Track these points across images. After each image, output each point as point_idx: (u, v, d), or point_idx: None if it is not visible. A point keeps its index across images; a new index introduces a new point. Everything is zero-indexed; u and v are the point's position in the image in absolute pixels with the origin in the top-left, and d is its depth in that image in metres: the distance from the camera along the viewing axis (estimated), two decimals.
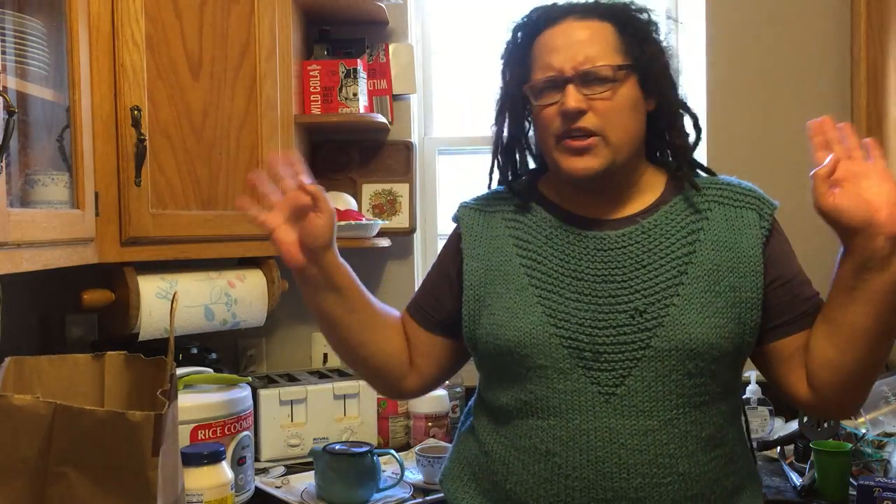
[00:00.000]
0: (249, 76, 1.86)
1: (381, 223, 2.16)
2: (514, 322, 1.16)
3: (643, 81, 1.19)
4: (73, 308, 1.75)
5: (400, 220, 2.29)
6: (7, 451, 1.05)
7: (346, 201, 2.19)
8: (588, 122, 1.15)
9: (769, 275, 1.18)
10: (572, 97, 1.15)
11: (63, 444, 1.06)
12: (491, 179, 1.34)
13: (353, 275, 1.26)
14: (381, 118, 2.16)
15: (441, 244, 2.40)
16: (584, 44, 1.16)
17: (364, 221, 2.09)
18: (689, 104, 1.27)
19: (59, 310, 1.97)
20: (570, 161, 1.17)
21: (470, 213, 1.30)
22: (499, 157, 1.31)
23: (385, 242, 2.18)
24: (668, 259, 1.16)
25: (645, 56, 1.19)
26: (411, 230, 2.30)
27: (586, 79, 1.15)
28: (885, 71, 2.06)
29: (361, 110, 2.14)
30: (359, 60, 2.14)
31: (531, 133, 1.29)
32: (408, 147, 2.32)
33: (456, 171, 2.49)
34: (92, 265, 1.61)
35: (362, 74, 2.15)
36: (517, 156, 1.31)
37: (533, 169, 1.33)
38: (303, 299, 1.24)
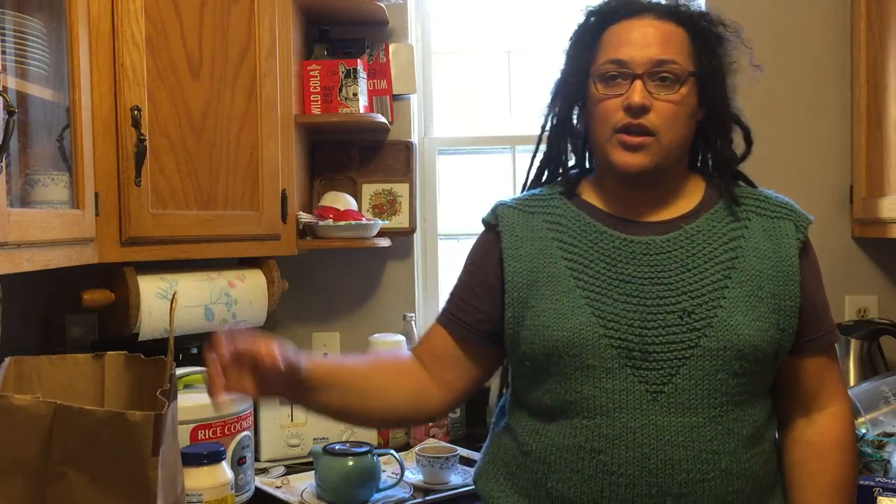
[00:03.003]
0: (249, 76, 1.86)
1: (381, 223, 2.16)
2: (562, 323, 1.17)
3: (702, 90, 1.22)
4: (73, 308, 1.74)
5: (400, 220, 2.29)
6: (7, 451, 1.05)
7: (347, 201, 2.19)
8: (648, 120, 1.18)
9: (801, 288, 1.21)
10: (639, 93, 1.17)
11: (63, 444, 1.06)
12: (530, 170, 1.37)
13: (329, 362, 1.28)
14: (381, 118, 2.16)
15: (441, 244, 2.43)
16: (658, 43, 1.19)
17: (364, 221, 2.10)
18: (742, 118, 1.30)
19: (59, 310, 1.97)
20: (622, 155, 1.19)
21: (509, 211, 1.29)
22: (547, 144, 1.33)
23: (385, 242, 2.18)
24: (712, 263, 1.19)
25: (710, 67, 1.22)
26: (411, 230, 2.30)
27: (654, 78, 1.18)
28: (885, 71, 2.06)
29: (361, 110, 2.14)
30: (359, 60, 2.14)
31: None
32: (408, 147, 2.32)
33: (456, 171, 2.48)
34: (92, 265, 1.61)
35: (362, 74, 2.15)
36: (562, 145, 1.33)
37: (572, 171, 1.35)
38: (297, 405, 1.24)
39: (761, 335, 1.16)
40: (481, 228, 1.36)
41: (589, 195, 1.30)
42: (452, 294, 1.34)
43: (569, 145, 1.34)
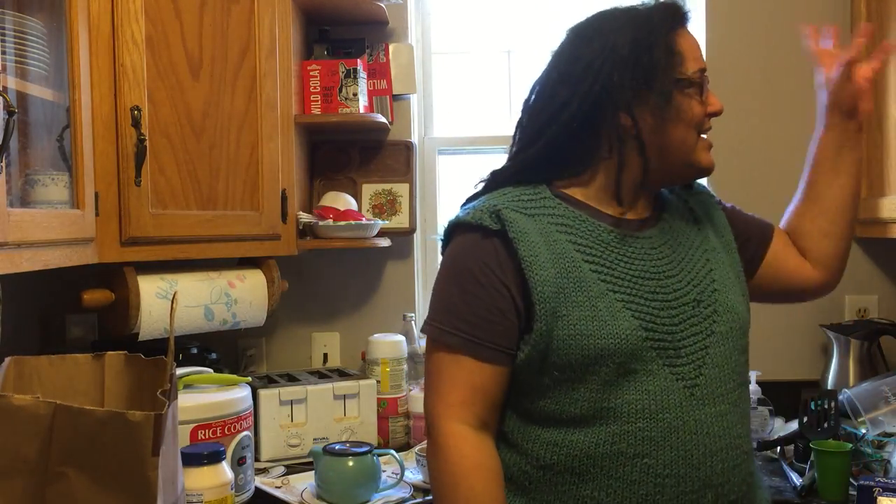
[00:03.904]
0: (249, 76, 1.86)
1: (381, 223, 2.16)
2: (604, 330, 1.12)
3: None
4: (73, 308, 1.75)
5: (400, 220, 2.29)
6: (7, 451, 1.05)
7: (347, 201, 2.19)
8: None
9: (734, 229, 1.34)
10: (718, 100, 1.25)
11: (63, 444, 1.05)
12: (525, 164, 1.26)
13: None
14: (381, 118, 2.16)
15: (441, 244, 2.42)
16: None
17: (364, 221, 2.10)
18: None
19: (59, 310, 1.97)
20: (709, 156, 1.25)
21: (515, 216, 1.17)
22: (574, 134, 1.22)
23: (385, 242, 2.18)
24: (693, 248, 1.26)
25: None
26: (411, 230, 2.30)
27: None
28: (885, 71, 2.06)
29: (361, 110, 2.14)
30: (359, 60, 2.14)
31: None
32: (408, 147, 2.32)
33: (456, 171, 2.48)
34: (92, 265, 1.61)
35: (362, 74, 2.15)
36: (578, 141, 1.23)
37: (528, 169, 1.26)
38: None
39: (746, 305, 1.25)
40: None
41: (575, 193, 1.24)
42: (464, 315, 1.17)
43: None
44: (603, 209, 1.24)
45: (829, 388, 2.10)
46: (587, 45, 1.22)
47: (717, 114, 1.24)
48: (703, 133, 1.24)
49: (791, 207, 1.41)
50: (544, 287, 1.14)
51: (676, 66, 1.20)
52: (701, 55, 1.24)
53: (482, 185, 1.29)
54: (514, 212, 1.18)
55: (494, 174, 1.30)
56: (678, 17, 1.24)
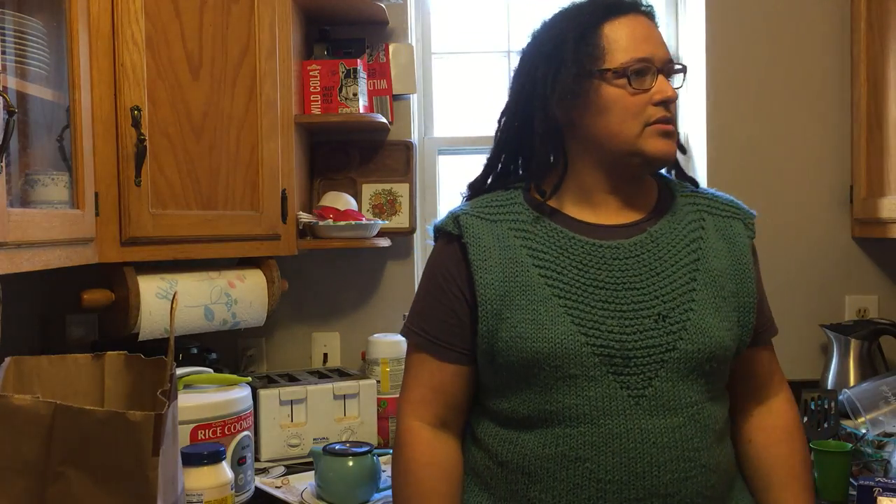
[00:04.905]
0: (249, 76, 1.86)
1: (381, 223, 2.16)
2: (542, 333, 1.15)
3: None
4: (73, 308, 1.75)
5: (400, 220, 2.30)
6: (7, 451, 1.05)
7: (346, 201, 2.19)
8: (672, 111, 1.22)
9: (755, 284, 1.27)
10: (670, 86, 1.21)
11: (63, 444, 1.06)
12: (490, 172, 1.34)
13: None
14: (381, 118, 2.16)
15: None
16: (662, 40, 1.23)
17: (364, 221, 2.10)
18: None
19: (59, 310, 1.97)
20: (662, 144, 1.20)
21: (473, 221, 1.24)
22: (534, 144, 1.25)
23: (385, 242, 2.18)
24: (678, 266, 1.21)
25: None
26: (411, 230, 2.31)
27: (669, 72, 1.22)
28: (885, 71, 2.06)
29: (361, 110, 2.14)
30: (359, 60, 2.14)
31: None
32: (408, 147, 2.32)
33: (456, 171, 2.48)
34: (92, 265, 1.61)
35: (362, 74, 2.15)
36: (547, 146, 1.25)
37: (508, 176, 1.33)
38: None
39: (729, 334, 1.20)
40: None
41: (549, 199, 1.26)
42: (427, 317, 1.26)
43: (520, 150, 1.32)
44: (572, 213, 1.25)
45: (829, 388, 2.10)
46: (527, 47, 1.29)
47: (665, 102, 1.20)
48: (653, 122, 1.20)
49: (756, 428, 1.31)
50: (487, 290, 1.19)
51: (599, 58, 1.20)
52: (643, 45, 1.20)
53: (464, 198, 1.36)
54: (473, 217, 1.25)
55: (470, 186, 1.36)
56: (610, 8, 1.22)
